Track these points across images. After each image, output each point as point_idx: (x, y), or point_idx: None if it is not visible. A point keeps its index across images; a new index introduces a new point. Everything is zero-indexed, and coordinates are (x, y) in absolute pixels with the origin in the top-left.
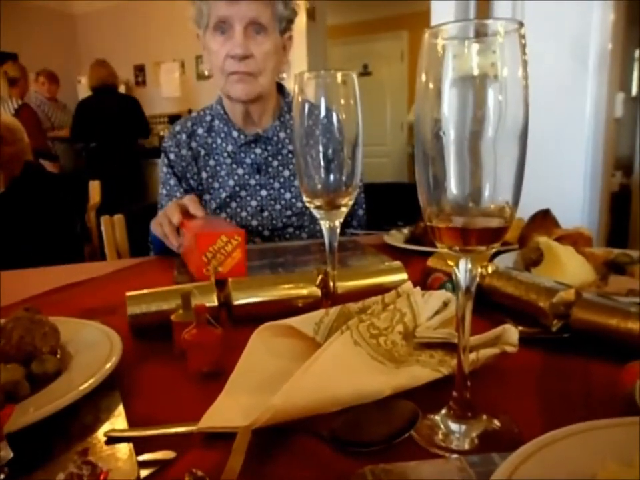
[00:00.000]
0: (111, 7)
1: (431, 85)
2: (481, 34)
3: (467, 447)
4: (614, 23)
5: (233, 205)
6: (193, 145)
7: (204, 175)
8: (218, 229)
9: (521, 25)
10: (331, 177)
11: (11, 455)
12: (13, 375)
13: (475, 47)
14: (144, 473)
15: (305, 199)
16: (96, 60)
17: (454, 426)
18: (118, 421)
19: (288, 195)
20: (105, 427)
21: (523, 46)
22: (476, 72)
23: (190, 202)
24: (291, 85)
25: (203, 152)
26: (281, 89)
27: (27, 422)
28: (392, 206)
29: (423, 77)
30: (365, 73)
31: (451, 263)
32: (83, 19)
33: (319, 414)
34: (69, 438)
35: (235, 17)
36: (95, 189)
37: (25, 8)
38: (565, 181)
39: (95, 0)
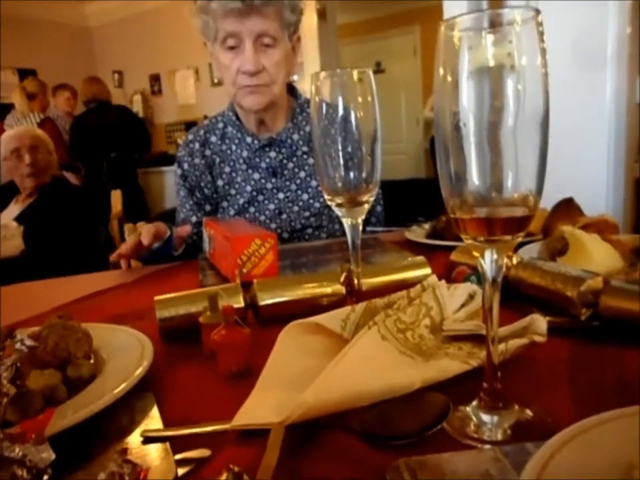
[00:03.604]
0: (124, 18)
1: (449, 78)
2: (497, 24)
3: (499, 437)
4: (632, 5)
5: (252, 209)
6: (207, 153)
7: (220, 182)
8: (251, 233)
9: (538, 12)
10: (351, 174)
11: (53, 456)
12: (50, 380)
13: (492, 37)
14: (181, 471)
15: (326, 197)
16: (88, 76)
17: (485, 417)
18: (153, 422)
19: (305, 196)
20: (141, 428)
21: (541, 34)
22: (494, 62)
23: (145, 230)
24: (302, 86)
25: (217, 160)
26: (292, 90)
27: (65, 425)
28: (411, 202)
29: (441, 70)
30: (378, 70)
31: (476, 254)
32: (98, 31)
33: (350, 409)
34: (107, 439)
35: (243, 32)
36: (116, 198)
37: (42, 24)
38: (587, 168)
39: (108, 12)
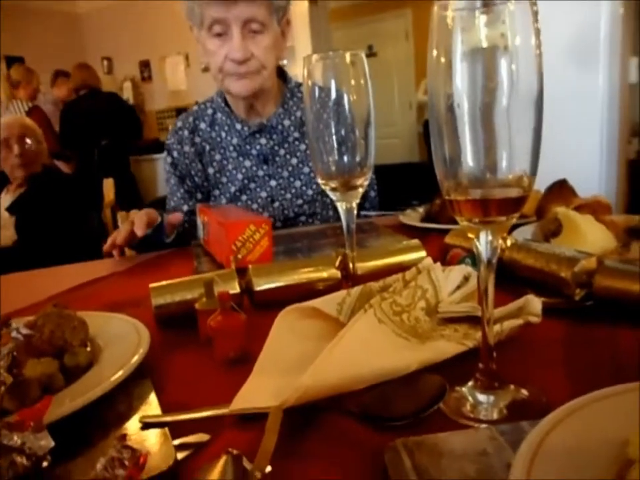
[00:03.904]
0: (113, 4)
1: (442, 59)
2: (490, 4)
3: (495, 416)
4: None
5: (243, 197)
6: (197, 140)
7: (210, 170)
8: (245, 219)
9: None
10: (345, 158)
11: (52, 443)
12: (47, 368)
13: (486, 17)
14: (180, 455)
15: (320, 181)
16: (78, 63)
17: (482, 397)
18: (151, 408)
19: (298, 183)
20: (139, 414)
21: (535, 13)
22: (487, 43)
23: (137, 219)
24: (293, 70)
25: (207, 147)
26: (282, 74)
27: (64, 412)
28: (405, 186)
29: (434, 52)
30: (370, 54)
31: (471, 235)
32: (87, 17)
33: (348, 391)
34: (106, 426)
35: (230, 18)
36: (109, 186)
37: (30, 10)
38: (580, 150)
39: None
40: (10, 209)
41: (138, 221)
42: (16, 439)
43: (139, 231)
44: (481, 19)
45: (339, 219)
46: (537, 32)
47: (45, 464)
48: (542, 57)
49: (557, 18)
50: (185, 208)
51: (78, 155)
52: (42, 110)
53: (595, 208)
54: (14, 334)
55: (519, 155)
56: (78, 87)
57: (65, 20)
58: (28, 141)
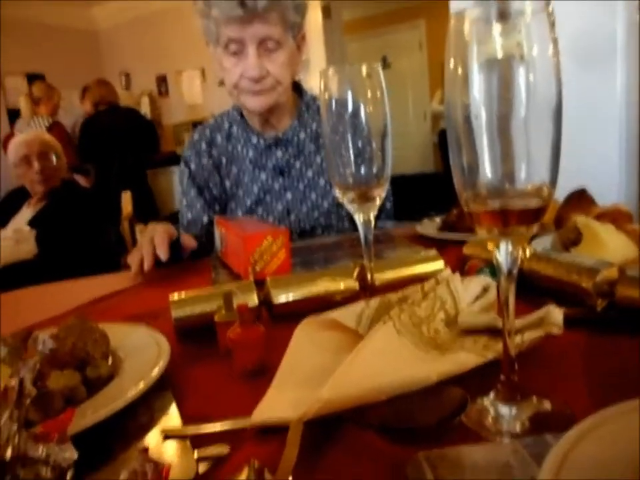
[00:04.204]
0: (130, 20)
1: (459, 70)
2: (507, 14)
3: (518, 429)
4: None
5: (259, 210)
6: (214, 152)
7: (227, 183)
8: (262, 230)
9: (548, 1)
10: (362, 169)
11: (76, 455)
12: (70, 381)
13: (503, 28)
14: (202, 467)
15: (337, 193)
16: (97, 79)
17: (504, 409)
18: (172, 420)
19: (313, 196)
20: (160, 426)
21: (552, 23)
22: (505, 53)
23: (159, 240)
24: (308, 83)
25: (224, 160)
26: (297, 88)
27: (87, 424)
28: (420, 197)
29: (451, 63)
30: (384, 65)
31: (491, 247)
32: (105, 34)
33: (368, 404)
34: (128, 438)
35: (246, 37)
36: (127, 199)
37: (49, 27)
38: (599, 158)
39: (114, 14)
40: (31, 223)
41: (160, 243)
42: (41, 451)
43: (163, 256)
44: (498, 30)
45: (355, 230)
46: (555, 41)
47: (68, 476)
48: (559, 66)
49: (572, 23)
50: (205, 219)
51: (96, 169)
52: (62, 125)
53: (615, 217)
54: (40, 347)
55: (537, 165)
56: (97, 102)
57: (83, 37)
58: (48, 157)
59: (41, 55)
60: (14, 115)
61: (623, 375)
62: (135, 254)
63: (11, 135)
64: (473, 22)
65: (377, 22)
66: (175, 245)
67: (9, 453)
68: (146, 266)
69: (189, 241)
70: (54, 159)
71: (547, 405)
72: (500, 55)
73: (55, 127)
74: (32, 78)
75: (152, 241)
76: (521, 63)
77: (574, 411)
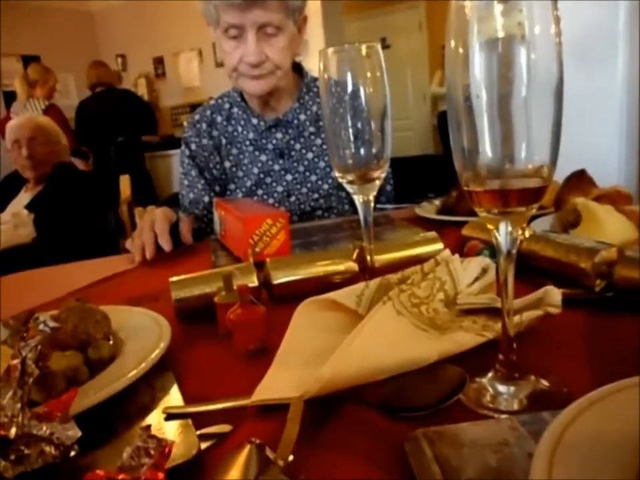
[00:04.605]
0: (126, 2)
1: (460, 50)
2: None
3: (515, 407)
4: None
5: (259, 192)
6: (215, 133)
7: (227, 164)
8: (262, 212)
9: None
10: (362, 151)
11: (80, 433)
12: (72, 361)
13: (504, 7)
14: (203, 445)
15: (336, 174)
16: (93, 60)
17: (502, 387)
18: (174, 400)
19: (314, 177)
20: (162, 405)
21: (554, 2)
22: (506, 32)
23: (159, 227)
24: (306, 64)
25: (224, 141)
26: (298, 69)
27: (89, 404)
28: (419, 179)
29: (452, 42)
30: (383, 46)
31: (490, 227)
32: (101, 15)
33: (368, 383)
34: (130, 417)
35: (246, 23)
36: (125, 183)
37: (44, 9)
38: (598, 140)
39: None
40: (29, 207)
41: (162, 231)
42: (45, 429)
43: (166, 247)
44: (500, 9)
45: (354, 212)
46: (557, 20)
47: (72, 453)
48: (561, 46)
49: (574, 14)
50: (206, 199)
51: (94, 152)
52: (58, 108)
53: (614, 198)
54: (41, 327)
55: (538, 144)
56: (93, 85)
57: (79, 18)
58: (37, 143)
59: (36, 36)
60: (10, 97)
61: (620, 355)
62: (136, 240)
63: (8, 118)
64: (474, 1)
65: (376, 2)
66: (173, 229)
67: (13, 431)
68: (148, 254)
69: (186, 236)
70: (44, 144)
71: (545, 384)
72: (501, 34)
73: (51, 110)
74: (27, 60)
75: (152, 227)
76: (522, 42)
77: (571, 390)
